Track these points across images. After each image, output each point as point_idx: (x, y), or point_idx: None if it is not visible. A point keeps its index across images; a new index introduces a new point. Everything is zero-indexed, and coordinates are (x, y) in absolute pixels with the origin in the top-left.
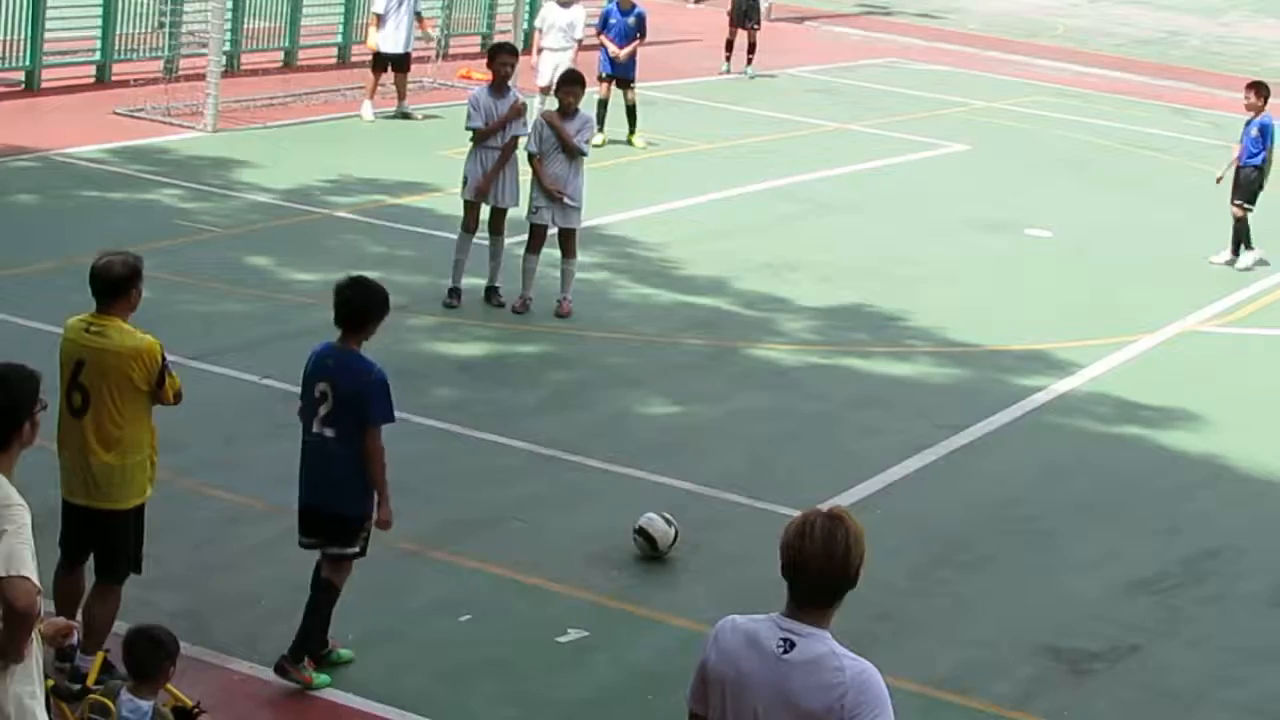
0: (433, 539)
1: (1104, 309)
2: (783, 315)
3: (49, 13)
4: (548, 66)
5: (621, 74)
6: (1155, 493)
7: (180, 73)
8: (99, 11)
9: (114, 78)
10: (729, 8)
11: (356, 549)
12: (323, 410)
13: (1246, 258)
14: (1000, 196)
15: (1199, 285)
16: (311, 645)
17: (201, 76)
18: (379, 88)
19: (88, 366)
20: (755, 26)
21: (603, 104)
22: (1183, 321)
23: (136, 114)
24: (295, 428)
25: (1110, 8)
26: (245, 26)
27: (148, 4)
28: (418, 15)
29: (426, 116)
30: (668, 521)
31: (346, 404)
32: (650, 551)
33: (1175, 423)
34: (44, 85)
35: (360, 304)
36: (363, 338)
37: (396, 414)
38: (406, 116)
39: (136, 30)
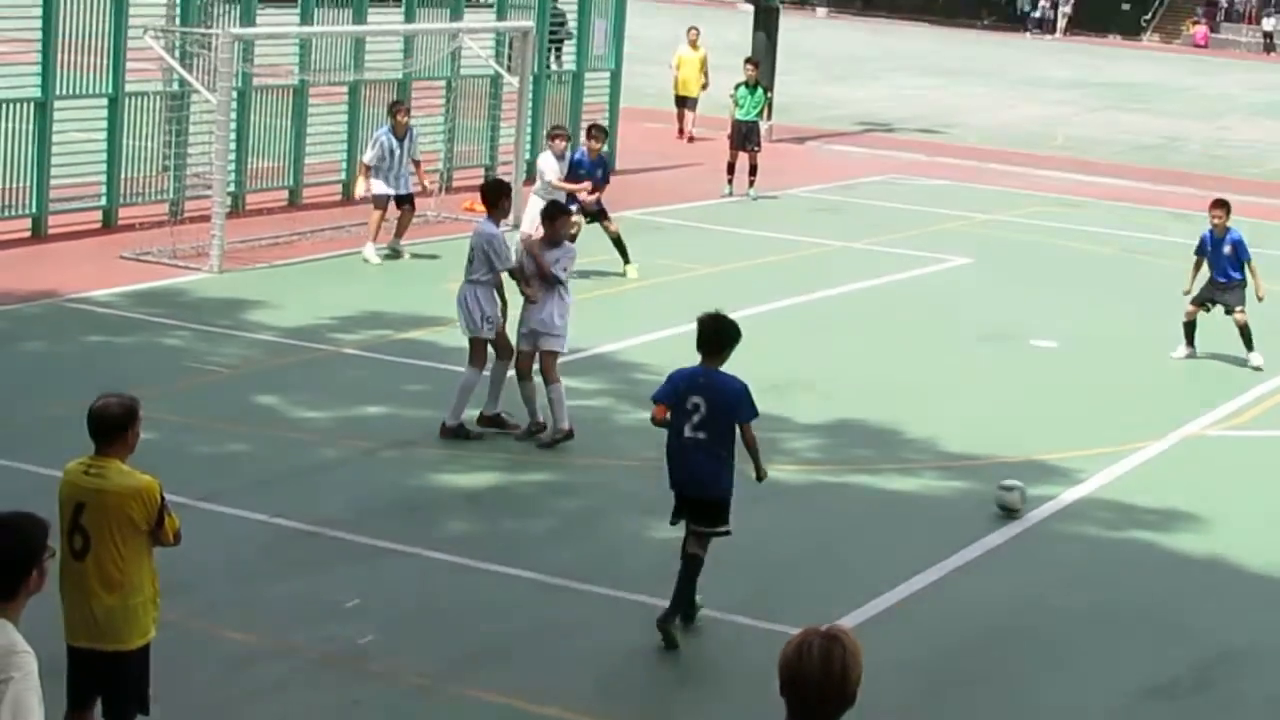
0: (444, 673)
1: (1108, 417)
2: (788, 435)
3: (54, 159)
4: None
5: (594, 209)
6: (1163, 598)
7: (186, 215)
8: (104, 156)
9: (120, 221)
10: (729, 131)
11: (727, 528)
12: (696, 419)
13: (1256, 357)
14: (1004, 308)
15: (1203, 390)
16: (683, 608)
17: (207, 218)
18: (381, 226)
19: (88, 508)
20: (756, 148)
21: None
22: (1186, 427)
23: (143, 257)
24: (305, 565)
25: (1109, 116)
26: (249, 167)
27: (152, 148)
28: (415, 163)
29: (416, 255)
30: (1007, 489)
31: (718, 412)
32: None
33: (1181, 527)
34: (51, 231)
35: (718, 334)
36: (721, 360)
37: (408, 548)
38: (395, 254)
39: (142, 174)
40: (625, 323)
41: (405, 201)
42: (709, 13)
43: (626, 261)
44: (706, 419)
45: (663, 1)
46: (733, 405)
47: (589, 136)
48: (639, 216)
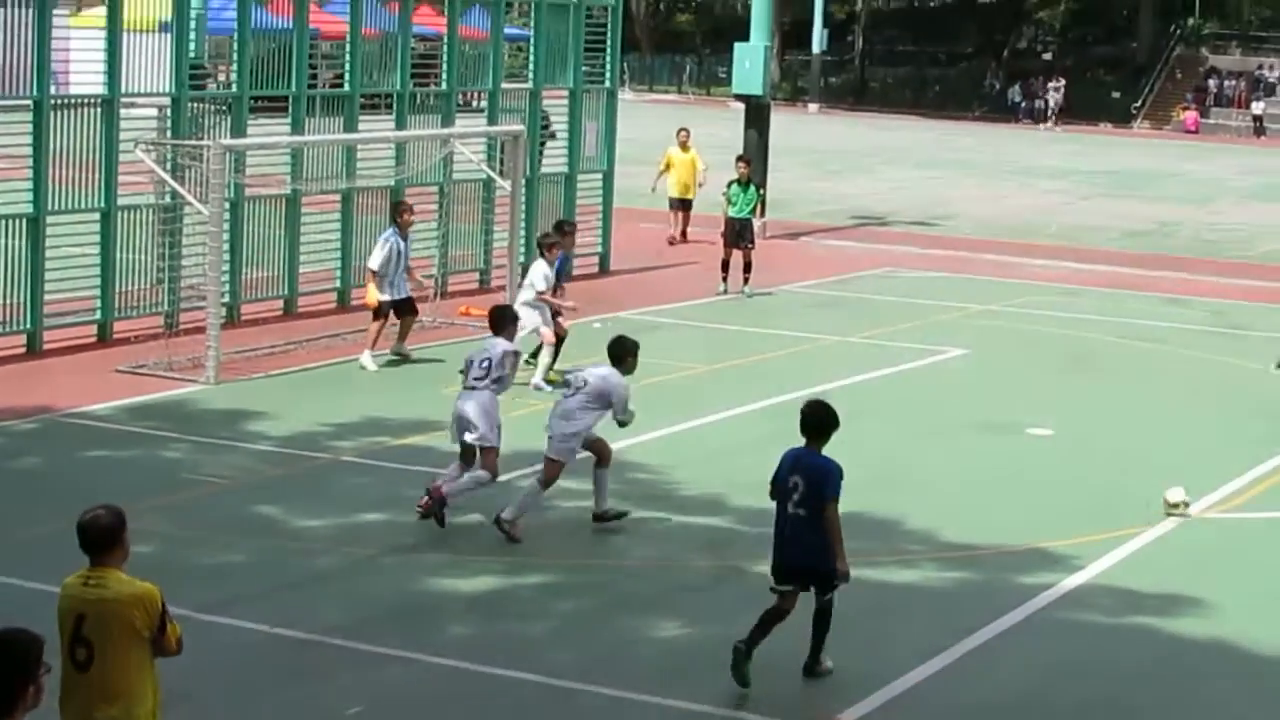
0: None
1: (1106, 503)
2: None
3: (48, 274)
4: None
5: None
6: (1167, 684)
7: (181, 327)
8: (97, 270)
9: (115, 335)
10: (723, 229)
11: (832, 595)
12: (795, 496)
13: None
14: (999, 398)
15: (1199, 474)
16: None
17: (202, 329)
18: (381, 333)
19: (89, 619)
20: (750, 245)
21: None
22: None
23: (139, 370)
24: (306, 675)
25: (1101, 204)
26: (243, 277)
27: (146, 260)
28: (408, 269)
29: (420, 359)
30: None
31: (814, 489)
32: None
33: (1182, 611)
34: (46, 346)
35: (819, 420)
36: (821, 444)
37: (409, 654)
38: (403, 358)
39: (136, 287)
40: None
41: (406, 306)
42: (702, 112)
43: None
44: (805, 496)
45: (655, 102)
46: (821, 483)
47: (563, 234)
48: (634, 316)
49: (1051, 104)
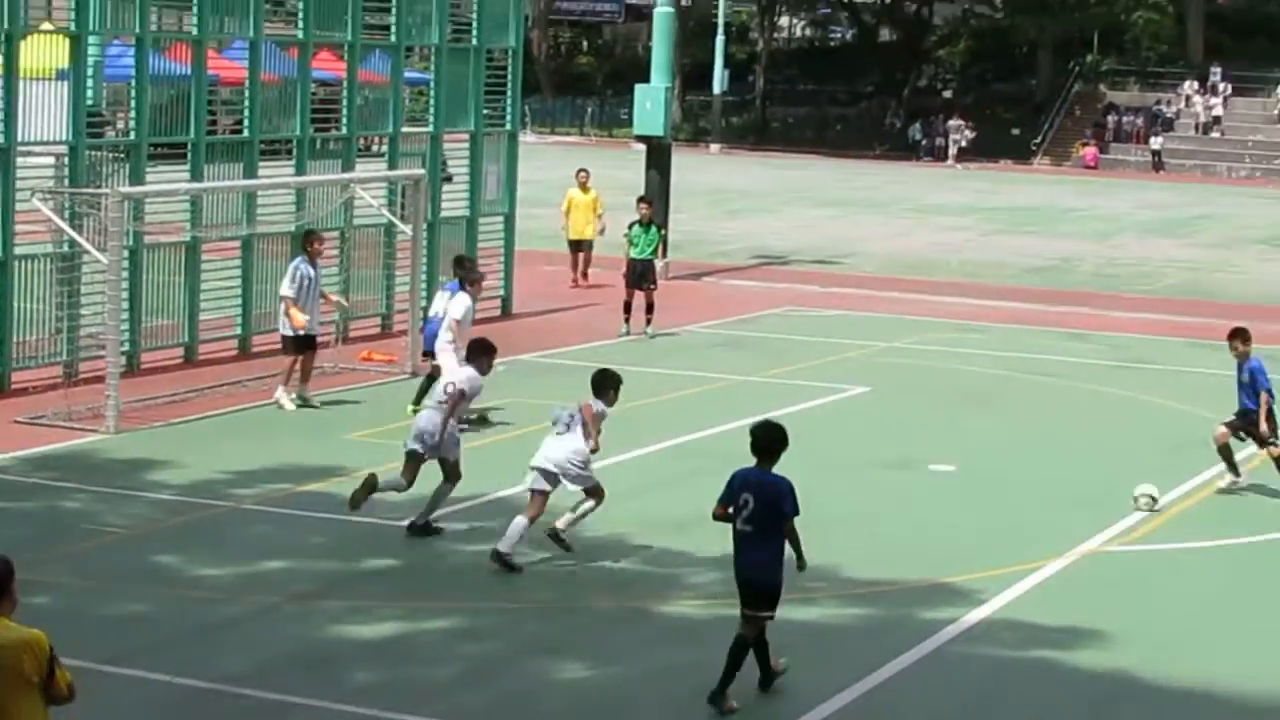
0: None
1: (1009, 537)
2: (691, 570)
3: None
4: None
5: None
6: (1069, 718)
7: (80, 376)
8: None
9: (13, 385)
10: (625, 270)
11: (773, 614)
12: (745, 513)
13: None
14: (902, 435)
15: (1101, 507)
16: (729, 684)
17: (102, 379)
18: (294, 369)
19: None
20: (652, 287)
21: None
22: (1086, 544)
23: (38, 421)
24: None
25: (1002, 240)
26: (143, 325)
27: (45, 310)
28: (322, 294)
29: (326, 403)
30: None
31: (765, 507)
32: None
33: (1085, 644)
34: None
35: (768, 439)
36: (772, 463)
37: (314, 702)
38: (304, 401)
39: (34, 337)
40: (523, 465)
41: (309, 345)
42: (604, 153)
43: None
44: (754, 513)
45: (557, 144)
46: (776, 501)
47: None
48: (537, 359)
49: (954, 143)
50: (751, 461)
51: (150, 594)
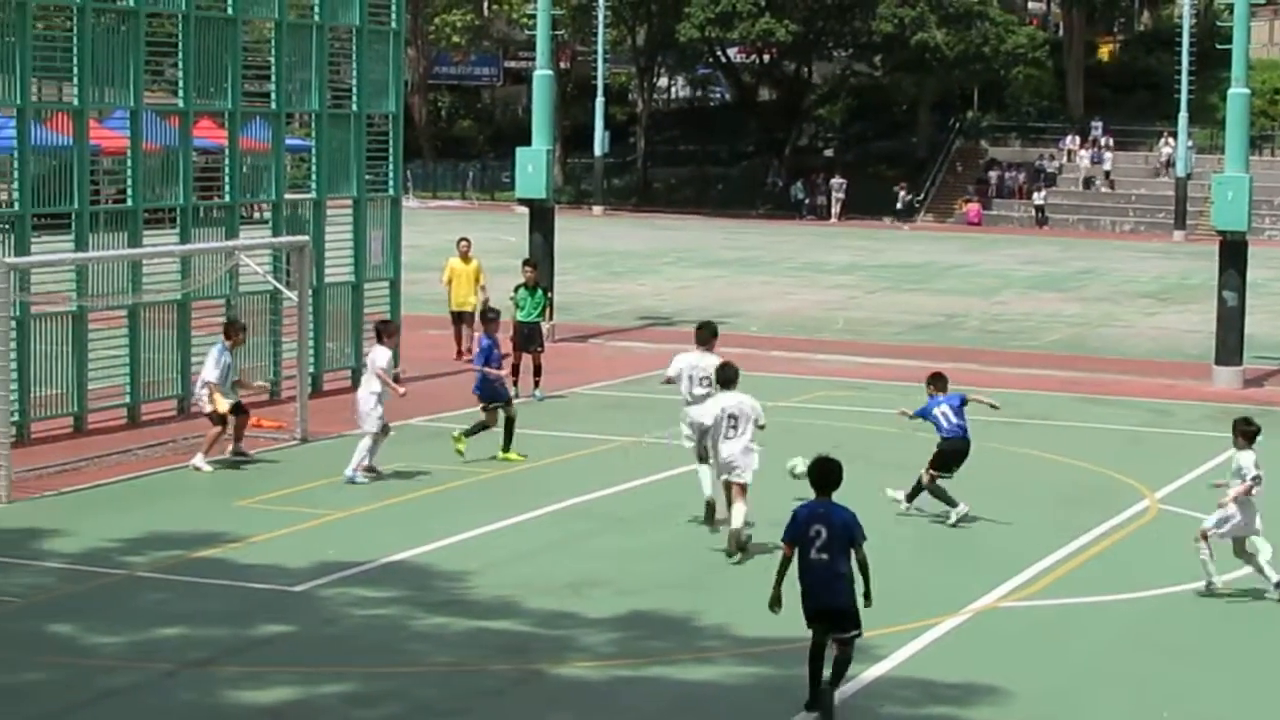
0: None
1: (903, 594)
2: (585, 631)
3: None
4: None
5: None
6: None
7: None
8: None
9: None
10: (511, 334)
11: (860, 631)
12: (818, 543)
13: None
14: (793, 494)
15: (994, 563)
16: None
17: None
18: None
19: None
20: (539, 349)
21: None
22: (981, 600)
23: None
24: None
25: (888, 297)
26: (31, 395)
27: None
28: (238, 380)
29: (216, 468)
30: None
31: (839, 534)
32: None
33: (979, 700)
34: None
35: (826, 474)
36: (830, 494)
37: None
38: (244, 456)
39: None
40: (416, 529)
41: (242, 410)
42: (486, 216)
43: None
44: (828, 542)
45: (440, 209)
46: (848, 527)
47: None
48: (423, 424)
49: (834, 200)
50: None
51: (44, 663)
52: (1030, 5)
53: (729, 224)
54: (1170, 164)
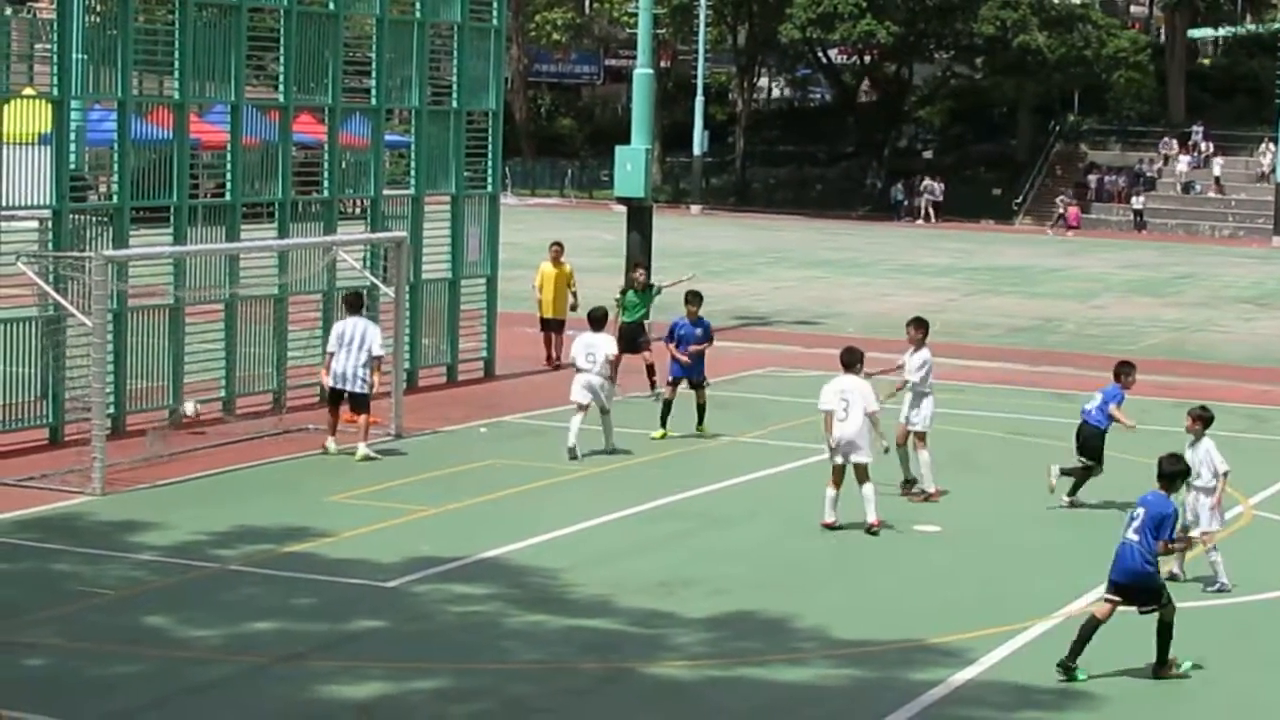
0: None
1: (996, 598)
2: (677, 631)
3: None
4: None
5: (690, 375)
6: None
7: (67, 438)
8: None
9: (1, 449)
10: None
11: (1163, 602)
12: (1134, 524)
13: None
14: (886, 494)
15: (1089, 568)
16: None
17: (87, 441)
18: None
19: None
20: (647, 349)
21: (668, 404)
22: (1073, 604)
23: (25, 484)
24: None
25: (985, 300)
26: (128, 387)
27: (31, 373)
28: (378, 360)
29: (305, 462)
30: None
31: (1151, 523)
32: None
33: (1072, 706)
34: None
35: (1164, 469)
36: (1171, 488)
37: None
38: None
39: (21, 400)
40: (509, 526)
41: (360, 403)
42: (584, 215)
43: (700, 424)
44: (1141, 526)
45: (538, 206)
46: (1159, 519)
47: (687, 302)
48: (520, 420)
49: (927, 201)
50: None
51: (140, 655)
52: (1133, 9)
53: (827, 225)
54: (1271, 169)
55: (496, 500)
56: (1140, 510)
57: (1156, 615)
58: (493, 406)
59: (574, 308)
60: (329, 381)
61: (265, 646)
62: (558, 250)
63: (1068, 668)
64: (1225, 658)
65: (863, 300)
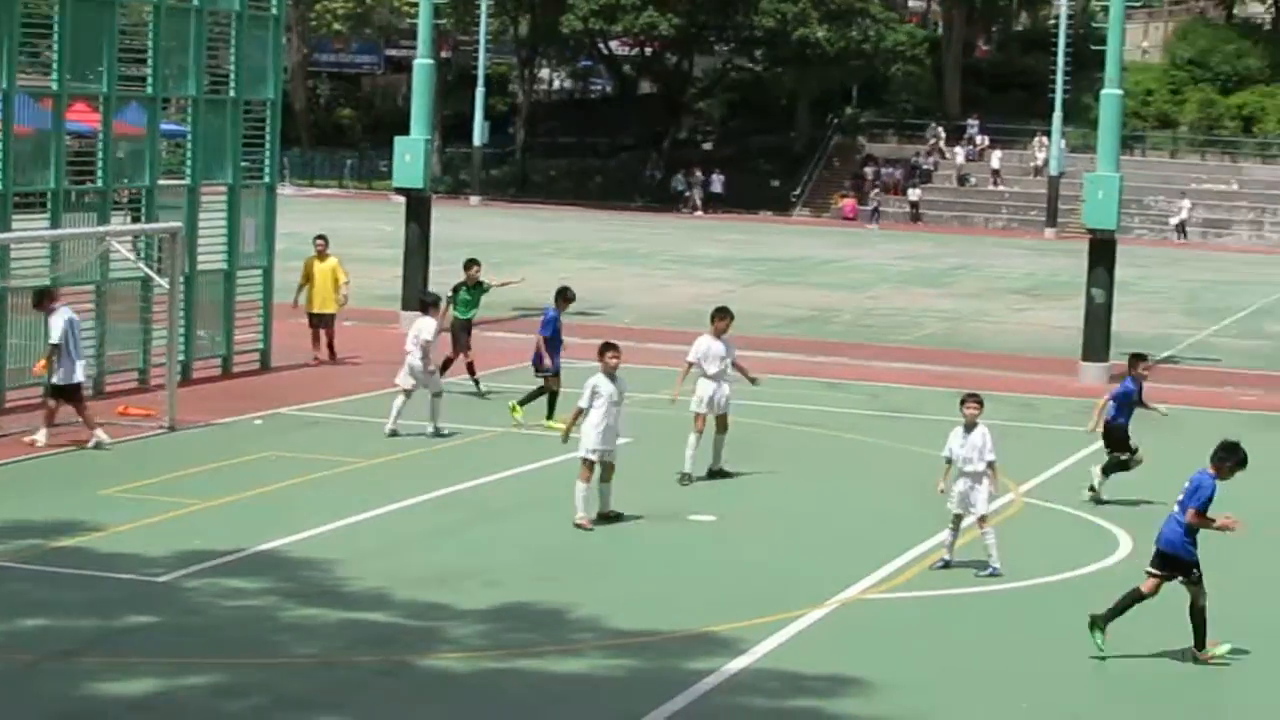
0: None
1: (769, 586)
2: (454, 623)
3: None
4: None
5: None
6: None
7: None
8: None
9: None
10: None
11: (1193, 578)
12: (1181, 496)
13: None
14: (662, 485)
15: (859, 556)
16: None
17: None
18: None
19: None
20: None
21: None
22: (846, 591)
23: None
24: None
25: (762, 291)
26: None
27: None
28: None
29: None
30: None
31: (1189, 494)
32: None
33: (845, 693)
34: None
35: (1217, 451)
36: (1218, 467)
37: None
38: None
39: None
40: (284, 519)
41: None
42: (363, 205)
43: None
44: (1184, 499)
45: (316, 197)
46: (1193, 490)
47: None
48: (296, 413)
49: (698, 194)
50: None
51: None
52: (910, 3)
53: (606, 216)
54: (1045, 163)
55: (271, 493)
56: (1188, 484)
57: (1188, 600)
58: (269, 399)
59: (343, 302)
60: (78, 377)
61: (33, 644)
62: (323, 244)
63: (1096, 623)
64: (990, 643)
65: (640, 291)
